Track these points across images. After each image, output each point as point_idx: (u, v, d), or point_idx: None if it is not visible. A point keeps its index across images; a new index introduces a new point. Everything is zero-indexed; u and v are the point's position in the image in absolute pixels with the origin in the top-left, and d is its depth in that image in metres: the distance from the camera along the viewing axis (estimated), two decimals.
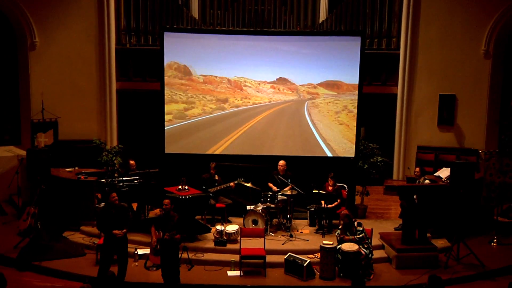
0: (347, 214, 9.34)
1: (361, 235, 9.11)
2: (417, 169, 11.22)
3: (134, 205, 10.96)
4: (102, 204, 10.48)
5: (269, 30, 13.17)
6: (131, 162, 11.45)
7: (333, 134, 11.97)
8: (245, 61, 11.89)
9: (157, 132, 12.06)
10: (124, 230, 8.41)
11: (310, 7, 13.90)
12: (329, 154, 11.90)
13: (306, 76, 11.92)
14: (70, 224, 10.81)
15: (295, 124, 12.01)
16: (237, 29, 13.47)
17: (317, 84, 11.94)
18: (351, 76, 11.74)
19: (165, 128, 11.91)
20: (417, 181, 11.01)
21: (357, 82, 11.74)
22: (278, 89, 11.95)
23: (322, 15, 13.93)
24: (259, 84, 11.95)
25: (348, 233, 9.17)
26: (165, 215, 8.61)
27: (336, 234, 9.37)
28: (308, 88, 11.98)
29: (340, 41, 11.87)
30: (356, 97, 11.81)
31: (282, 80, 11.94)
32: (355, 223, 9.34)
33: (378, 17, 13.72)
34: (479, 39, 13.25)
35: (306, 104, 11.97)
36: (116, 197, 8.46)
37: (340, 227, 9.38)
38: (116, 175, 11.33)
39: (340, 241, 9.14)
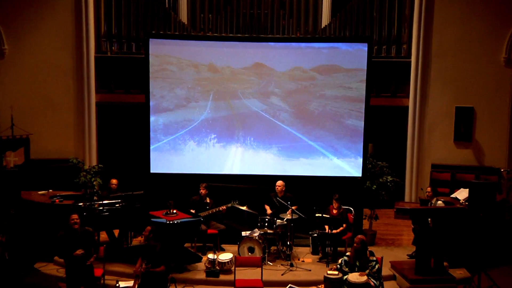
0: (363, 239, 9.15)
1: (376, 267, 8.92)
2: (429, 189, 11.22)
3: (116, 232, 10.93)
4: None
5: (266, 36, 13.25)
6: (113, 180, 11.43)
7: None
8: (237, 70, 11.97)
9: (141, 150, 12.06)
10: (94, 256, 8.40)
11: (311, 11, 14.02)
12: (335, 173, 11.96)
13: (305, 88, 11.98)
14: (42, 254, 10.73)
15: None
16: (231, 35, 13.56)
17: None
18: (357, 87, 11.78)
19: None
20: (429, 203, 11.01)
21: (364, 94, 11.79)
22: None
23: (325, 19, 14.06)
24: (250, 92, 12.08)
25: (358, 262, 9.05)
26: (147, 245, 8.59)
27: (340, 261, 9.21)
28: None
29: (344, 48, 11.93)
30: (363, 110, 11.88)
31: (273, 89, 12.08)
32: (368, 252, 9.20)
33: (386, 21, 13.85)
34: (499, 45, 13.38)
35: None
36: (77, 220, 8.44)
37: (348, 253, 9.26)
38: (95, 198, 11.28)
39: (342, 271, 9.02)
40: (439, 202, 10.87)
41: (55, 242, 8.52)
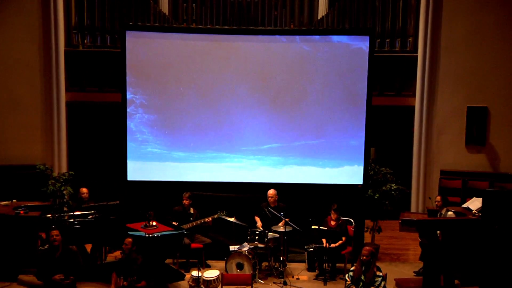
0: (373, 251, 9.06)
1: (382, 284, 8.90)
2: (438, 198, 11.26)
3: (88, 247, 10.88)
4: (47, 246, 10.41)
5: (256, 29, 13.26)
6: (83, 189, 11.38)
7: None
8: (224, 67, 11.96)
9: (117, 155, 12.03)
10: (71, 278, 8.35)
11: (306, 0, 14.04)
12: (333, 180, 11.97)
13: (299, 86, 12.00)
14: (5, 273, 10.66)
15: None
16: (217, 27, 13.58)
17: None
18: (358, 85, 11.79)
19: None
20: (439, 214, 11.05)
21: (365, 92, 11.81)
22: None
23: (322, 9, 14.09)
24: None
25: (363, 276, 9.01)
26: (126, 258, 8.57)
27: (347, 277, 9.17)
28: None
29: (343, 42, 11.95)
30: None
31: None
32: (375, 268, 9.14)
33: (390, 12, 13.90)
34: None
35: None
36: (57, 236, 8.40)
37: (352, 268, 9.21)
38: (65, 209, 11.23)
39: None
40: (449, 212, 10.89)
41: (36, 261, 8.46)
